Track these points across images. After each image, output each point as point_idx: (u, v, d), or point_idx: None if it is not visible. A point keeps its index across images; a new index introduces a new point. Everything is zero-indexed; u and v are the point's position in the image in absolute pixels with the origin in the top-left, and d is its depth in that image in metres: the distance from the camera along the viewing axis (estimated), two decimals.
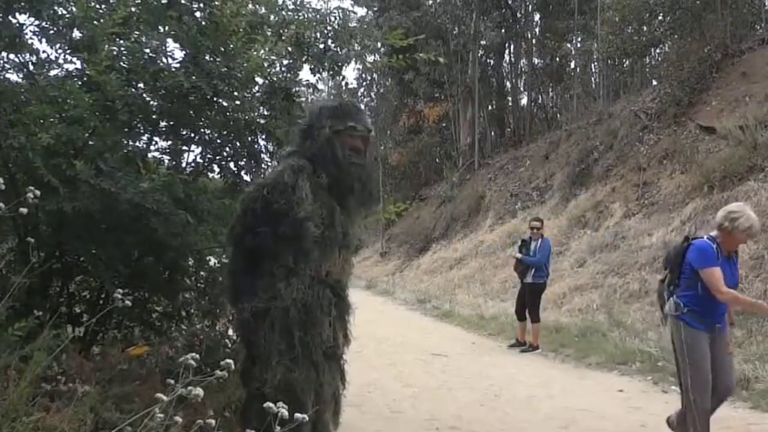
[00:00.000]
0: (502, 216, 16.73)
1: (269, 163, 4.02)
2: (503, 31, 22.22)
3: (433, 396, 5.62)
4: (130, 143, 3.76)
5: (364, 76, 26.20)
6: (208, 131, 3.98)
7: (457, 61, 22.16)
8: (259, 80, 3.79)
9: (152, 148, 3.93)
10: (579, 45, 20.74)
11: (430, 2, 23.94)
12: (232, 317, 3.76)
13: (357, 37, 4.12)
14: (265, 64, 3.69)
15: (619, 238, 11.04)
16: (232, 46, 3.45)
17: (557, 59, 22.40)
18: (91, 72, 3.11)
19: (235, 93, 3.58)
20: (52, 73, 3.42)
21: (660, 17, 15.05)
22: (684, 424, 3.69)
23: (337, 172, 2.72)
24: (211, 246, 3.89)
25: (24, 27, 3.35)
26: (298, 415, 1.59)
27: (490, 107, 24.67)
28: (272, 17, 3.92)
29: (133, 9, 3.46)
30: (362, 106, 27.39)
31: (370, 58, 5.16)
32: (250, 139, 3.98)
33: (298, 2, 3.99)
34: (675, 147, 11.85)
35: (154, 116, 3.70)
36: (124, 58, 3.33)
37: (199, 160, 4.12)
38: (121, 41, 3.38)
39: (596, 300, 9.44)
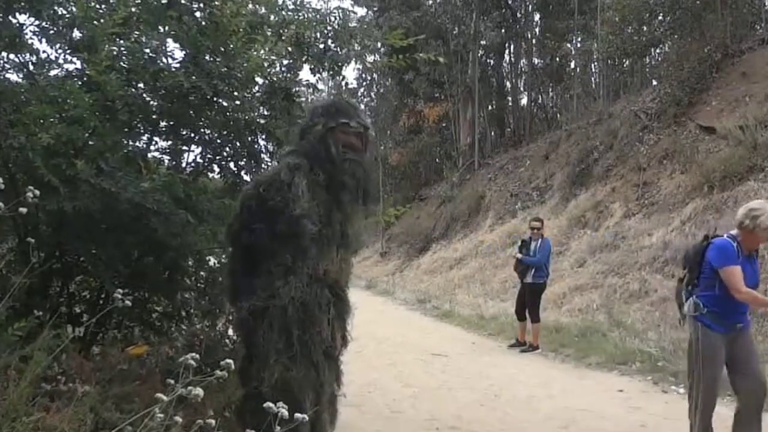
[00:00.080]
0: (502, 216, 16.73)
1: (269, 163, 4.02)
2: (503, 31, 22.23)
3: (433, 396, 5.62)
4: (130, 143, 3.76)
5: (364, 76, 26.25)
6: (208, 131, 3.98)
7: (457, 61, 22.17)
8: (259, 80, 3.78)
9: (152, 148, 3.93)
10: (579, 45, 20.75)
11: (430, 2, 23.95)
12: (231, 317, 3.76)
13: (357, 37, 4.12)
14: (265, 64, 3.68)
15: (619, 238, 11.04)
16: (232, 46, 3.45)
17: (557, 59, 22.41)
18: (91, 72, 3.11)
19: (235, 93, 3.58)
20: (52, 73, 3.42)
21: (660, 17, 15.06)
22: (741, 425, 3.62)
23: (331, 169, 2.71)
24: (211, 246, 3.88)
25: (24, 27, 3.35)
26: (297, 414, 1.59)
27: (490, 107, 24.68)
28: (272, 17, 3.92)
29: (133, 9, 3.46)
30: (362, 106, 27.47)
31: (370, 58, 5.15)
32: (250, 139, 3.98)
33: (298, 2, 3.99)
34: (675, 147, 11.85)
35: (154, 116, 3.70)
36: (124, 58, 3.33)
37: (199, 160, 4.12)
38: (121, 41, 3.37)
39: (596, 300, 9.44)
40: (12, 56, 3.42)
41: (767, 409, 3.71)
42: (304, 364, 2.56)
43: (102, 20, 3.24)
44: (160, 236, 3.28)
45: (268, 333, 2.53)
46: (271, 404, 1.57)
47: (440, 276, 15.80)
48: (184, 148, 4.04)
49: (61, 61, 3.47)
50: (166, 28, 3.50)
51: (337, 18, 4.04)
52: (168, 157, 4.04)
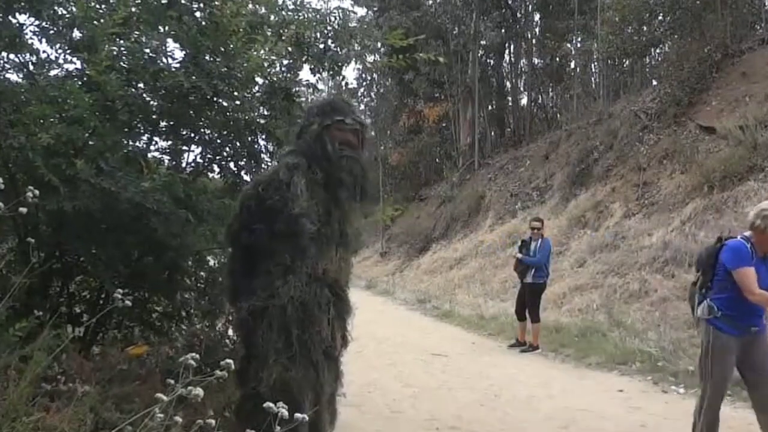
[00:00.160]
0: (502, 216, 16.73)
1: (269, 163, 4.02)
2: (503, 31, 22.22)
3: (433, 396, 5.62)
4: (130, 143, 3.76)
5: (364, 76, 26.25)
6: (208, 131, 3.98)
7: (457, 61, 22.16)
8: (259, 80, 3.78)
9: (152, 148, 3.93)
10: (579, 45, 20.74)
11: (430, 2, 23.94)
12: (231, 317, 3.76)
13: (357, 37, 4.12)
14: (265, 64, 3.68)
15: (619, 238, 11.04)
16: (232, 46, 3.45)
17: (557, 59, 22.40)
18: (91, 72, 3.11)
19: (235, 93, 3.58)
20: (52, 73, 3.42)
21: (660, 17, 15.05)
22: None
23: (328, 166, 2.71)
24: (211, 247, 3.89)
25: (24, 27, 3.35)
26: (297, 414, 1.59)
27: (490, 107, 24.67)
28: (272, 17, 3.92)
29: (133, 9, 3.46)
30: (362, 106, 27.50)
31: (370, 58, 5.15)
32: (250, 139, 3.98)
33: (298, 2, 3.99)
34: (675, 147, 11.85)
35: (154, 116, 3.70)
36: (124, 58, 3.33)
37: (199, 160, 4.12)
38: (121, 41, 3.37)
39: (596, 300, 9.43)
40: (12, 56, 3.42)
41: None
42: (303, 364, 2.55)
43: (102, 20, 3.24)
44: (159, 236, 3.28)
45: (267, 333, 2.53)
46: (270, 404, 1.56)
47: (440, 276, 15.80)
48: (184, 148, 4.04)
49: (61, 61, 3.47)
50: (166, 28, 3.50)
51: (337, 18, 4.04)
52: (168, 157, 4.05)
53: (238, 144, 4.00)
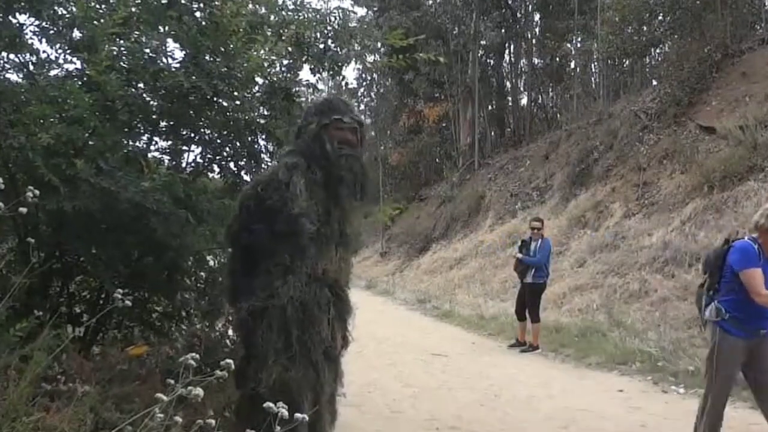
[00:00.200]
0: (502, 216, 16.73)
1: (269, 163, 4.01)
2: (503, 31, 22.23)
3: (433, 396, 5.62)
4: (130, 143, 3.76)
5: (364, 76, 26.27)
6: (208, 131, 3.97)
7: (457, 61, 22.17)
8: (259, 80, 3.78)
9: (152, 148, 3.92)
10: (579, 45, 20.75)
11: (430, 2, 23.96)
12: (231, 317, 3.75)
13: (357, 37, 4.12)
14: (265, 64, 3.68)
15: (619, 238, 11.04)
16: (232, 46, 3.45)
17: (557, 59, 22.41)
18: (91, 72, 3.11)
19: (235, 93, 3.58)
20: (52, 73, 3.42)
21: (660, 17, 15.06)
22: None
23: (327, 165, 2.70)
24: (211, 247, 3.88)
25: (24, 27, 3.34)
26: (297, 414, 1.59)
27: (490, 107, 24.68)
28: (272, 17, 3.91)
29: (133, 9, 3.45)
30: (362, 106, 27.50)
31: (370, 58, 5.15)
32: (250, 139, 3.98)
33: (298, 2, 3.99)
34: (675, 147, 11.85)
35: (154, 116, 3.70)
36: (124, 58, 3.33)
37: (199, 160, 4.11)
38: (121, 41, 3.37)
39: (596, 300, 9.44)
40: (12, 56, 3.41)
41: None
42: (303, 365, 2.54)
43: (102, 20, 3.23)
44: (159, 236, 3.28)
45: (267, 333, 2.51)
46: (270, 404, 1.56)
47: (440, 276, 15.80)
48: (184, 148, 4.04)
49: (61, 61, 3.47)
50: (166, 28, 3.49)
51: (337, 18, 4.04)
52: (168, 157, 4.04)
53: (238, 144, 4.00)
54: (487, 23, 21.98)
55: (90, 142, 3.29)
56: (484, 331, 9.76)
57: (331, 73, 4.19)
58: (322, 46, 4.07)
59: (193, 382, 1.58)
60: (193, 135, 3.99)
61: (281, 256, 2.55)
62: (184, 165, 4.06)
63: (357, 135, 2.81)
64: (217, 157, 4.08)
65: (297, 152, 2.75)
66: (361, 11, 21.52)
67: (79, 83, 3.23)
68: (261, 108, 3.95)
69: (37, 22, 3.36)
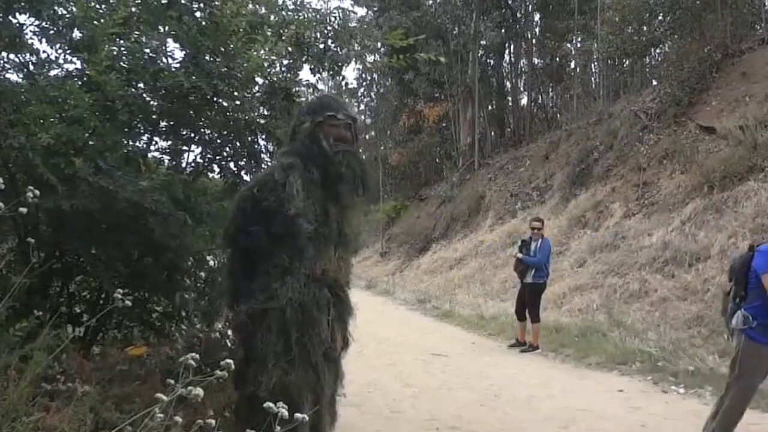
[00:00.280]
0: (502, 216, 16.73)
1: (269, 163, 4.01)
2: (503, 31, 22.23)
3: (433, 396, 5.62)
4: (130, 143, 3.76)
5: (364, 76, 26.27)
6: (208, 131, 3.97)
7: (457, 61, 22.17)
8: (259, 80, 3.78)
9: (152, 148, 3.93)
10: (579, 45, 20.75)
11: (430, 2, 23.95)
12: (230, 319, 3.75)
13: (357, 37, 4.12)
14: (265, 64, 3.68)
15: (619, 238, 11.04)
16: (232, 46, 3.45)
17: (557, 59, 22.40)
18: (91, 72, 3.11)
19: (235, 93, 3.58)
20: (52, 73, 3.42)
21: (660, 17, 15.05)
22: None
23: (324, 162, 2.68)
24: (210, 248, 3.88)
25: (24, 27, 3.34)
26: (298, 415, 1.59)
27: (490, 107, 24.68)
28: (272, 17, 3.92)
29: (133, 9, 3.45)
30: (362, 106, 27.48)
31: (370, 58, 5.14)
32: (250, 139, 3.98)
33: (298, 2, 3.99)
34: (675, 147, 11.85)
35: (154, 116, 3.70)
36: (124, 58, 3.33)
37: (199, 160, 4.12)
38: (121, 41, 3.37)
39: (596, 300, 9.44)
40: (12, 56, 3.41)
41: None
42: (303, 367, 2.52)
43: (102, 20, 3.24)
44: (158, 236, 3.27)
45: (266, 336, 2.49)
46: (271, 405, 1.56)
47: (440, 276, 15.80)
48: (184, 148, 4.04)
49: (61, 61, 3.47)
50: (166, 28, 3.49)
51: (337, 18, 4.04)
52: (168, 157, 4.04)
53: (238, 144, 4.00)
54: (487, 23, 21.98)
55: (90, 142, 3.29)
56: (484, 331, 9.76)
57: (331, 73, 4.19)
58: (322, 46, 4.07)
59: (193, 382, 1.58)
60: (193, 135, 3.99)
61: (279, 258, 2.53)
62: (184, 165, 4.07)
63: (351, 131, 2.79)
64: (217, 158, 4.08)
65: (293, 152, 2.73)
66: (361, 11, 21.55)
67: (79, 83, 3.23)
68: (261, 108, 3.95)
69: (37, 22, 3.36)
